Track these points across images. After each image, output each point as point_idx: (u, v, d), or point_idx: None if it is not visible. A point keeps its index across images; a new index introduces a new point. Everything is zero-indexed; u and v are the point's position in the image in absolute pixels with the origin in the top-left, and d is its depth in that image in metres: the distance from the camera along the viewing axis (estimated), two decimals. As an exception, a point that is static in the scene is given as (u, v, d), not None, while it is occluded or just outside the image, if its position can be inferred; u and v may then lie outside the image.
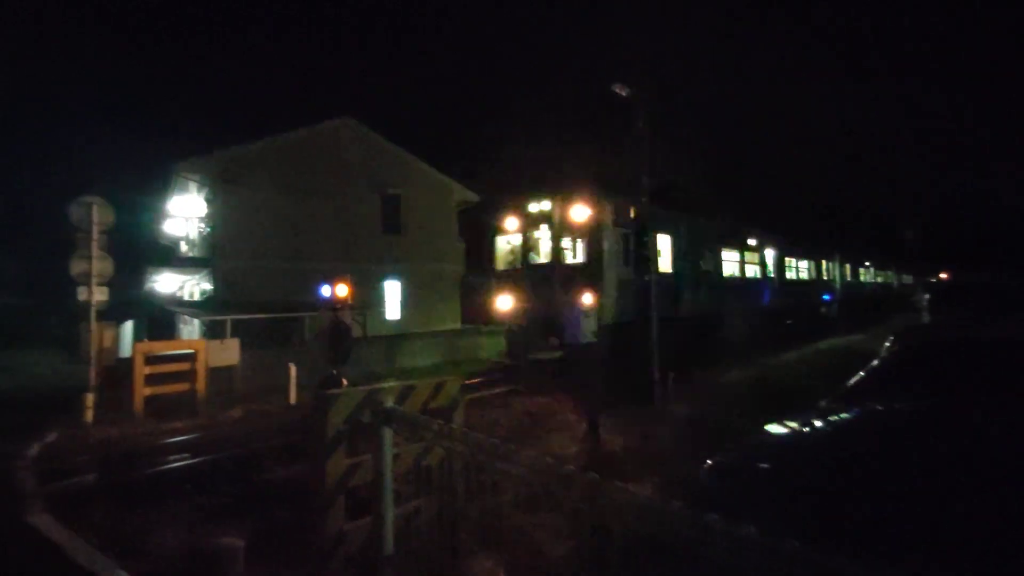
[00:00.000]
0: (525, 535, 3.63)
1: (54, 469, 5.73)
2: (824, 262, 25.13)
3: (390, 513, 2.58)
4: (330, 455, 3.69)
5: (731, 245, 16.49)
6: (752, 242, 17.90)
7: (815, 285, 23.58)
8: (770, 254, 19.02)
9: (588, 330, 7.39)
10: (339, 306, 5.56)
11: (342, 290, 5.55)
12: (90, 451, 6.76)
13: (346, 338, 5.70)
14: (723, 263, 16.42)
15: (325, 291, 5.50)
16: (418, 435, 2.61)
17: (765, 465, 2.64)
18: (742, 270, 17.22)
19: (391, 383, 4.17)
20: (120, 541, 4.11)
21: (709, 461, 2.69)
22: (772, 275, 19.31)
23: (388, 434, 2.57)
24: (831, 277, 25.84)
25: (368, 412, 2.77)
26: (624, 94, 10.43)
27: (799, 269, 22.09)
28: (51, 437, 7.28)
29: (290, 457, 5.45)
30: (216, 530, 4.06)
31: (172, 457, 6.29)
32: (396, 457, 4.14)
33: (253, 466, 5.28)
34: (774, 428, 3.02)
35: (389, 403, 2.76)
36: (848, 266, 27.52)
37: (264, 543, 3.92)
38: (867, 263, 31.53)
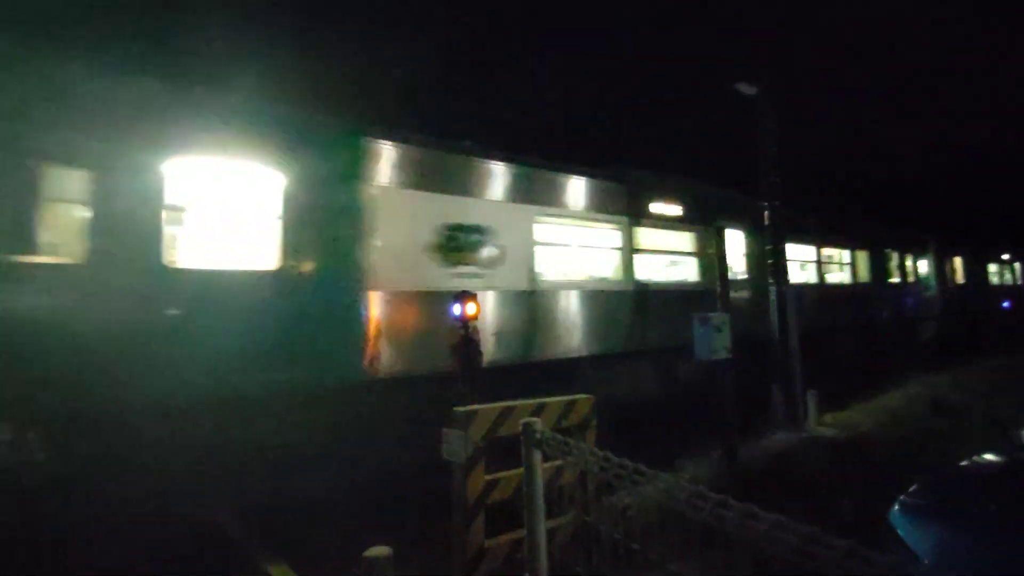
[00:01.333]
0: (659, 563, 3.45)
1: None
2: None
3: (542, 533, 2.55)
4: (470, 472, 3.77)
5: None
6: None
7: (982, 289, 20.56)
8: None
9: (720, 345, 6.96)
10: (469, 322, 5.75)
11: (471, 308, 5.72)
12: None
13: (476, 355, 5.88)
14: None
15: (456, 309, 5.72)
16: (561, 455, 2.55)
17: (990, 507, 2.23)
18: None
19: (523, 401, 4.18)
20: (293, 547, 4.48)
21: (903, 499, 2.35)
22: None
23: (537, 456, 2.55)
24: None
25: (524, 434, 2.76)
26: (750, 92, 9.87)
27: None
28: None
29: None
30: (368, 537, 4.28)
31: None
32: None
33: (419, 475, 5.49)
34: (976, 461, 2.58)
35: (537, 424, 2.74)
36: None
37: (411, 553, 4.07)
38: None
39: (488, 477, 3.86)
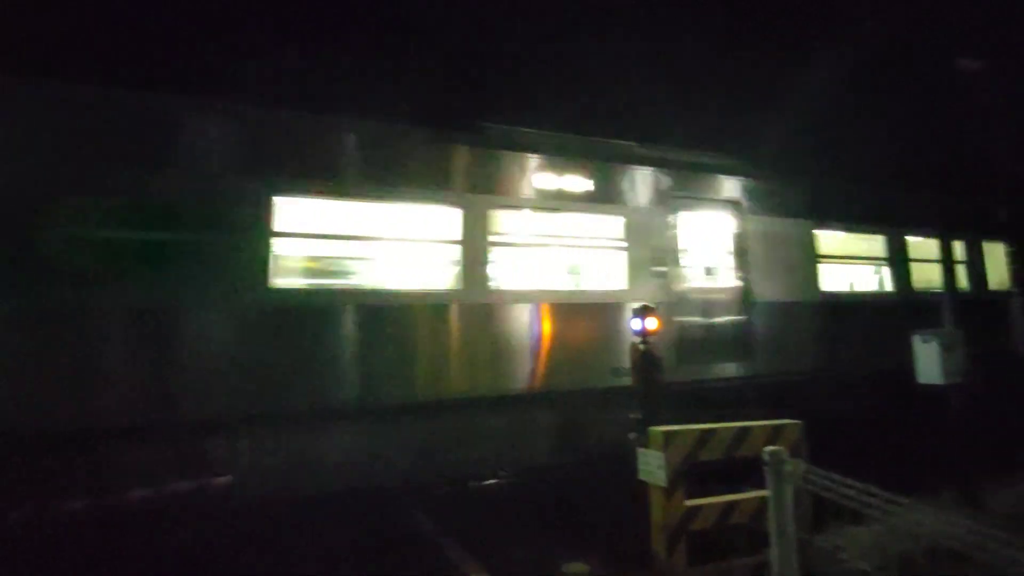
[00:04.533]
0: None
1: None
2: None
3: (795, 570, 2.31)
4: (670, 496, 3.60)
5: None
6: None
7: None
8: None
9: (951, 367, 5.87)
10: (650, 337, 5.56)
11: (652, 323, 5.54)
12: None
13: (657, 372, 5.66)
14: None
15: (635, 324, 5.56)
16: (820, 488, 2.29)
17: None
18: None
19: (723, 424, 3.90)
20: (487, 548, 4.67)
21: None
22: None
23: (788, 489, 2.33)
24: None
25: (768, 463, 2.56)
26: (972, 68, 8.40)
27: None
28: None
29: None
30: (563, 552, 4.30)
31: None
32: (735, 505, 3.85)
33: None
34: None
35: (784, 454, 2.51)
36: None
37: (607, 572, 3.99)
38: None
39: (690, 503, 3.65)
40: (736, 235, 7.30)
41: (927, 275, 9.10)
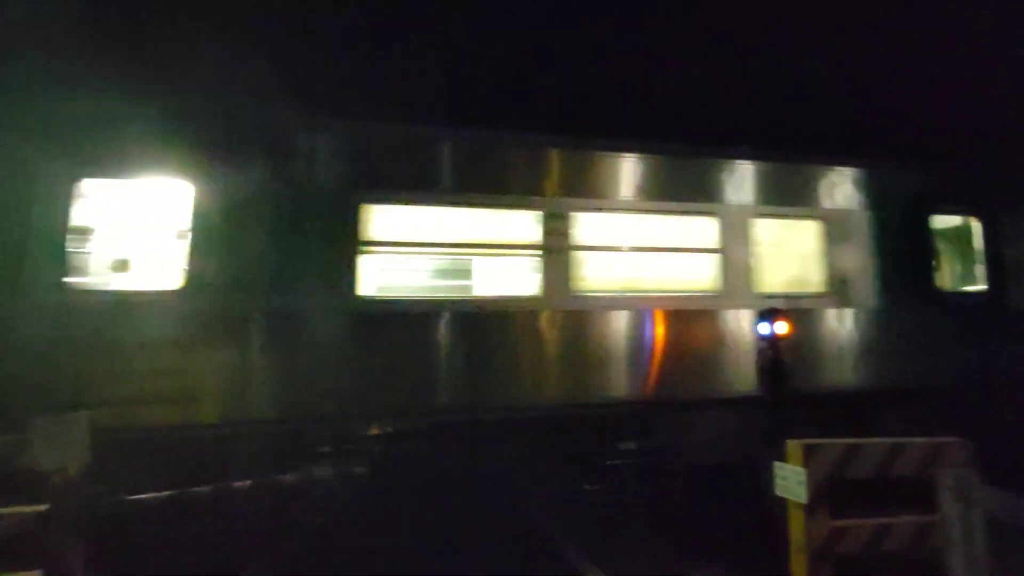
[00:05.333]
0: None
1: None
2: None
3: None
4: (812, 514, 3.33)
5: None
6: None
7: None
8: None
9: None
10: (778, 342, 5.20)
11: (782, 327, 5.18)
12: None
13: (786, 379, 5.28)
14: None
15: (763, 328, 5.22)
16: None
17: None
18: None
19: (873, 440, 3.54)
20: (603, 552, 4.62)
21: None
22: None
23: (978, 515, 2.08)
24: None
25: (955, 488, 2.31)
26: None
27: None
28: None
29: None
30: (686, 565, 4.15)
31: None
32: (888, 528, 3.49)
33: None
34: None
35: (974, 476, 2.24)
36: None
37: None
38: None
39: (836, 524, 3.36)
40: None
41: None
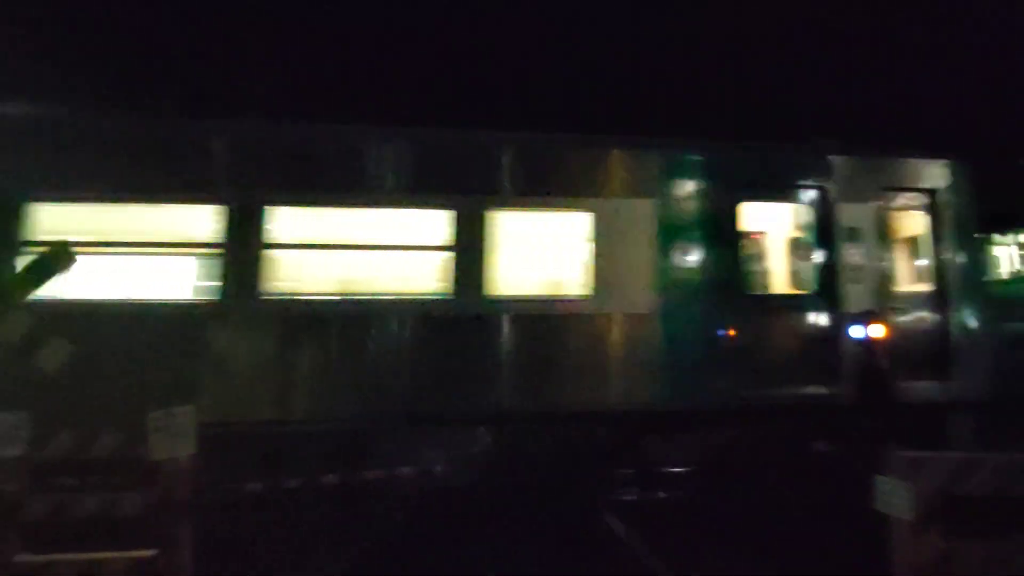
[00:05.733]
0: None
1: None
2: None
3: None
4: (920, 533, 3.08)
5: None
6: None
7: None
8: None
9: None
10: (875, 346, 4.84)
11: (878, 331, 4.82)
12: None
13: (886, 385, 4.90)
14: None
15: (857, 331, 4.89)
16: None
17: None
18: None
19: (991, 455, 3.23)
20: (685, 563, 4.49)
21: None
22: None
23: None
24: None
25: None
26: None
27: None
28: None
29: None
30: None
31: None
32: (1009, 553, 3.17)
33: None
34: None
35: None
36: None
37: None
38: None
39: (948, 545, 3.09)
40: None
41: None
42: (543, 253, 6.14)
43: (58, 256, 3.67)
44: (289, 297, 5.39)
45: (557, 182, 5.83)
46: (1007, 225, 7.96)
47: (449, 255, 5.54)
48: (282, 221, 5.40)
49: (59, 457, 3.50)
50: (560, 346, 5.52)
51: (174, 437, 3.45)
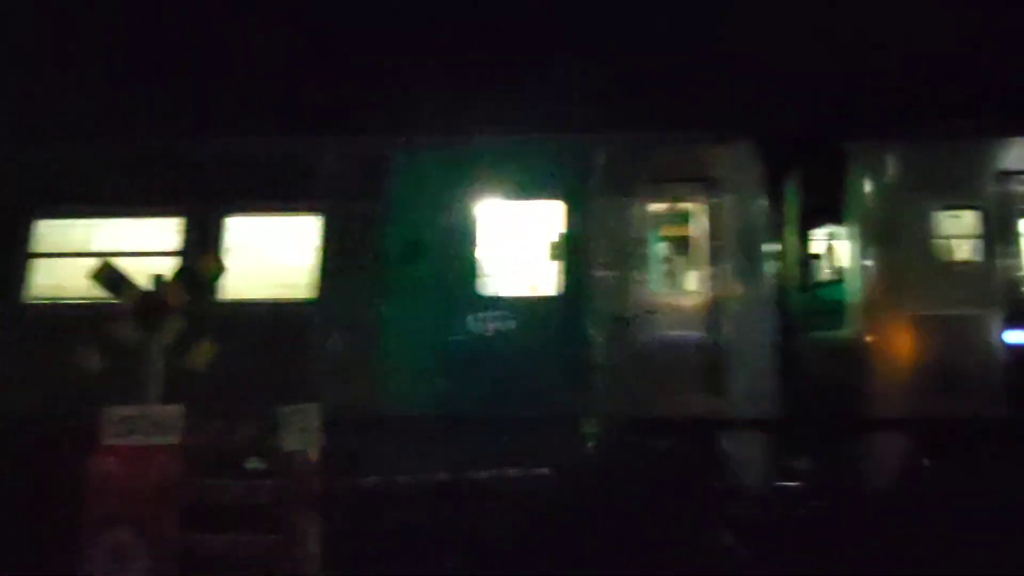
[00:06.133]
0: None
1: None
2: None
3: None
4: None
5: None
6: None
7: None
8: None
9: None
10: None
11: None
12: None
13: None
14: None
15: (1014, 336, 4.33)
16: None
17: None
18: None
19: None
20: None
21: None
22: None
23: None
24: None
25: None
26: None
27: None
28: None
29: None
30: None
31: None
32: None
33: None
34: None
35: None
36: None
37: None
38: None
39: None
40: None
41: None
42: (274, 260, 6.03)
43: (208, 266, 4.10)
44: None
45: (287, 190, 5.93)
46: (817, 221, 6.43)
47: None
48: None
49: (205, 446, 3.90)
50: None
51: (302, 432, 3.72)
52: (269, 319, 5.56)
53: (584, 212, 5.71)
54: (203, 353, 4.01)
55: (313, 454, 3.68)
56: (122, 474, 3.68)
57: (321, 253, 5.68)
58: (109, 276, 4.12)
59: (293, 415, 3.73)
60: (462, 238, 5.75)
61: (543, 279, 5.88)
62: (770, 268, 5.66)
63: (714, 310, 5.46)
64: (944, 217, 5.58)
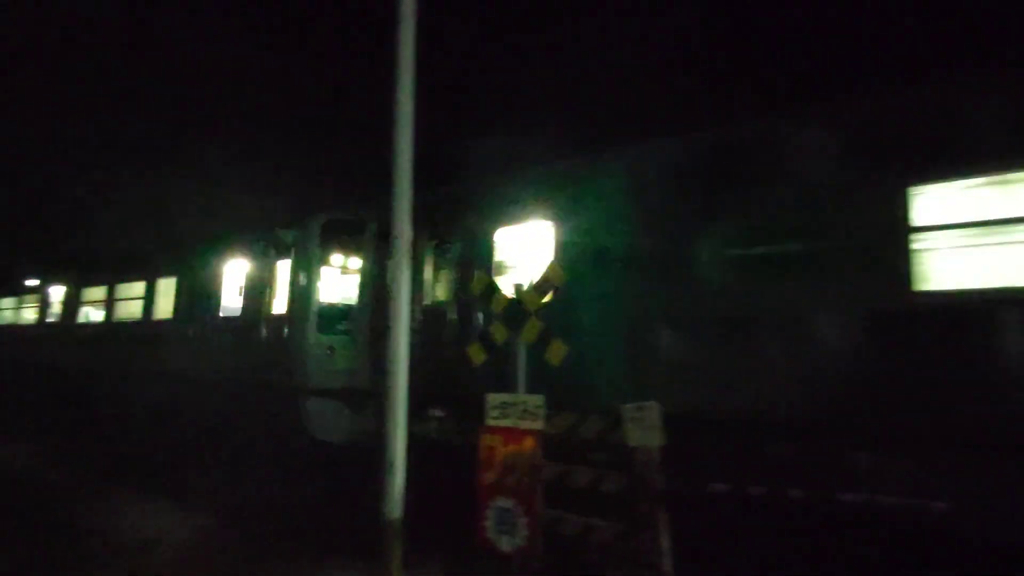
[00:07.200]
0: None
1: None
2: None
3: None
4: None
5: None
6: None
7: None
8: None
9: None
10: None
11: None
12: None
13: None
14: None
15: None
16: None
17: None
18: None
19: None
20: None
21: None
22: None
23: None
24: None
25: None
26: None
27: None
28: None
29: None
30: None
31: None
32: None
33: None
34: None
35: None
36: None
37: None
38: None
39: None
40: None
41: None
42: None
43: (554, 274, 4.66)
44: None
45: None
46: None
47: None
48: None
49: (560, 434, 4.40)
50: None
51: (644, 428, 3.86)
52: None
53: None
54: (557, 351, 4.54)
55: (655, 450, 3.77)
56: (501, 450, 4.46)
57: None
58: (486, 287, 5.07)
59: (635, 412, 3.91)
60: None
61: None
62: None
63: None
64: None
